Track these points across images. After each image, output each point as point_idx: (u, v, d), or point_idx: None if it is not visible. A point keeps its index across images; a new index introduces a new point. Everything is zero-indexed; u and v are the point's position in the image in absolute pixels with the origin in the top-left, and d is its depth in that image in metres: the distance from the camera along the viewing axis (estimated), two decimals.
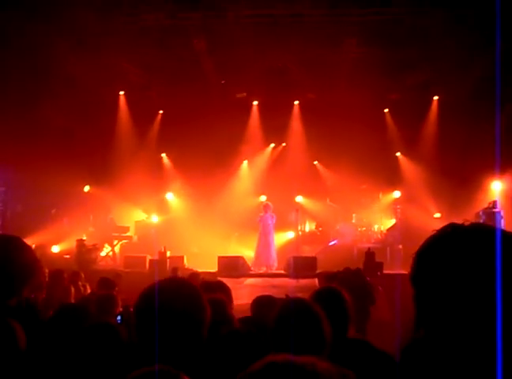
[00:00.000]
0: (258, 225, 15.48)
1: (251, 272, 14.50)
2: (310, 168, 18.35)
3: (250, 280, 13.44)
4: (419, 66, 14.91)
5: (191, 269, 12.62)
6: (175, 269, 11.24)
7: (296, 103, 18.26)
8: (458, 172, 15.93)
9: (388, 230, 17.12)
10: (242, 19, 12.93)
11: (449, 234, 1.34)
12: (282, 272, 14.43)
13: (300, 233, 17.56)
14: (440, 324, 1.29)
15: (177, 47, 14.37)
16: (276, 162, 18.48)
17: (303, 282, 12.17)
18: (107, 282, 7.59)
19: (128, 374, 1.54)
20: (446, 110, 16.69)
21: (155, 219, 17.63)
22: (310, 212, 18.02)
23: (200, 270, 12.42)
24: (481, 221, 14.06)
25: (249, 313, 4.66)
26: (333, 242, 16.83)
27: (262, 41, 13.71)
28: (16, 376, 2.43)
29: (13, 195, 16.66)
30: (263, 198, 17.27)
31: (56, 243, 15.71)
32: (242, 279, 13.36)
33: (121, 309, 5.69)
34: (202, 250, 16.09)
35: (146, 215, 17.87)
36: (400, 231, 15.75)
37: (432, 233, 1.37)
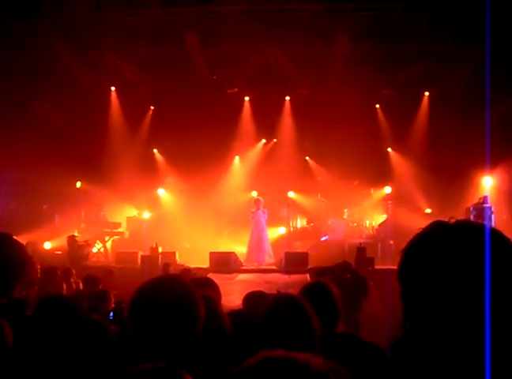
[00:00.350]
0: (251, 221, 15.49)
1: (243, 268, 14.52)
2: (301, 164, 18.36)
3: (241, 276, 13.46)
4: (411, 62, 14.93)
5: (183, 265, 12.63)
6: (166, 265, 11.23)
7: (288, 98, 18.25)
8: (449, 167, 16.03)
9: (379, 225, 17.17)
10: (233, 14, 12.89)
11: (435, 232, 1.35)
12: (274, 267, 14.47)
13: (292, 228, 17.60)
14: (425, 323, 1.30)
15: (168, 43, 14.31)
16: (268, 157, 18.48)
17: (295, 277, 12.18)
18: (93, 279, 7.58)
19: (115, 371, 1.54)
20: (437, 106, 16.76)
21: (146, 214, 17.60)
22: (301, 207, 18.03)
23: (192, 266, 12.44)
24: (472, 216, 14.15)
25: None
26: (324, 238, 16.86)
27: (254, 36, 13.67)
28: (4, 371, 2.43)
29: (5, 192, 16.57)
30: (254, 194, 17.27)
31: (48, 239, 15.65)
32: (233, 274, 13.38)
33: (113, 306, 5.69)
34: (194, 246, 16.09)
35: (138, 211, 17.83)
36: (391, 227, 15.81)
37: (418, 230, 1.38)
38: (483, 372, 1.18)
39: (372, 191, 17.86)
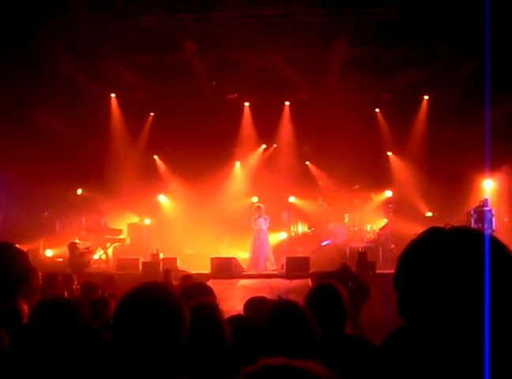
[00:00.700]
0: (252, 229, 15.44)
1: (244, 273, 14.50)
2: (301, 168, 18.36)
3: (243, 281, 13.44)
4: (410, 66, 14.96)
5: (184, 271, 12.61)
6: (167, 271, 11.21)
7: (287, 103, 18.28)
8: (449, 171, 16.01)
9: (380, 229, 17.14)
10: (232, 20, 12.93)
11: (430, 239, 1.36)
12: (275, 272, 14.44)
13: (293, 233, 17.59)
14: (421, 329, 1.30)
15: (168, 49, 14.35)
16: (268, 163, 18.49)
17: (296, 282, 12.18)
18: (92, 286, 7.58)
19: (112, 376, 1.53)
20: (437, 110, 16.77)
21: (147, 221, 17.61)
22: (302, 212, 18.01)
23: (193, 272, 12.41)
24: (472, 219, 14.14)
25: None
26: (325, 242, 16.84)
27: (253, 42, 13.72)
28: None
29: (6, 199, 16.56)
30: (255, 199, 17.25)
31: (49, 247, 15.64)
32: (235, 280, 13.36)
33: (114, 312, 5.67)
34: (195, 252, 16.08)
35: (139, 218, 17.84)
36: (392, 231, 15.79)
37: (414, 237, 1.39)
38: (482, 373, 1.19)
39: (373, 195, 17.84)
